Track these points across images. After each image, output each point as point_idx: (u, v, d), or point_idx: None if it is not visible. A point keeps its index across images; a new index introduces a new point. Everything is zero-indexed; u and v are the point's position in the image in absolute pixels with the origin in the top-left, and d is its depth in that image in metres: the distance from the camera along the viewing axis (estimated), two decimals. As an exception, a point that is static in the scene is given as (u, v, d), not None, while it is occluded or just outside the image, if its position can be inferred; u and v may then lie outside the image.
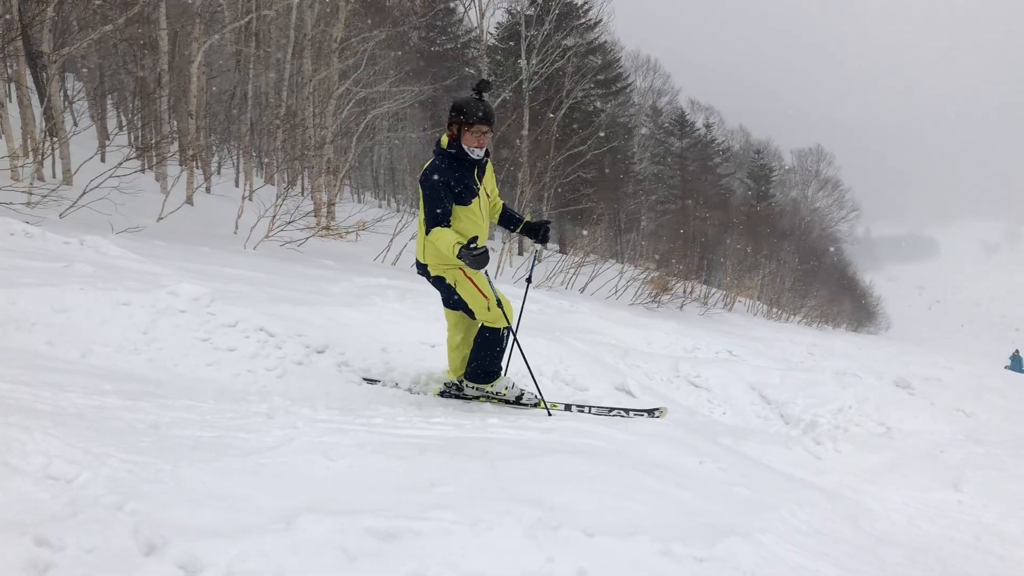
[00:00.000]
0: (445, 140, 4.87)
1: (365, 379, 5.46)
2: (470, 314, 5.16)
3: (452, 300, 5.15)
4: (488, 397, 5.35)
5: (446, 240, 4.63)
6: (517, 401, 5.35)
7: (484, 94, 4.89)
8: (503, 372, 5.36)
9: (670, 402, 7.47)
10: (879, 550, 3.34)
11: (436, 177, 4.75)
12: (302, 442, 3.05)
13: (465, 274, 4.98)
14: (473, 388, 5.33)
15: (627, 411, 5.52)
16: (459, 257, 4.53)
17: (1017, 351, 32.07)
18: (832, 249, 63.73)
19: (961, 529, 4.49)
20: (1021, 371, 28.50)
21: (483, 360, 5.19)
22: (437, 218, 4.72)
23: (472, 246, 4.51)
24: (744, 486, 3.46)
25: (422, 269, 5.14)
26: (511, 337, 5.33)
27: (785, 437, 6.58)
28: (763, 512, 3.12)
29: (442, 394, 5.46)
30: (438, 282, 5.08)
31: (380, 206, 32.64)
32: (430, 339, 6.43)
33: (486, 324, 5.12)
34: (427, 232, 4.80)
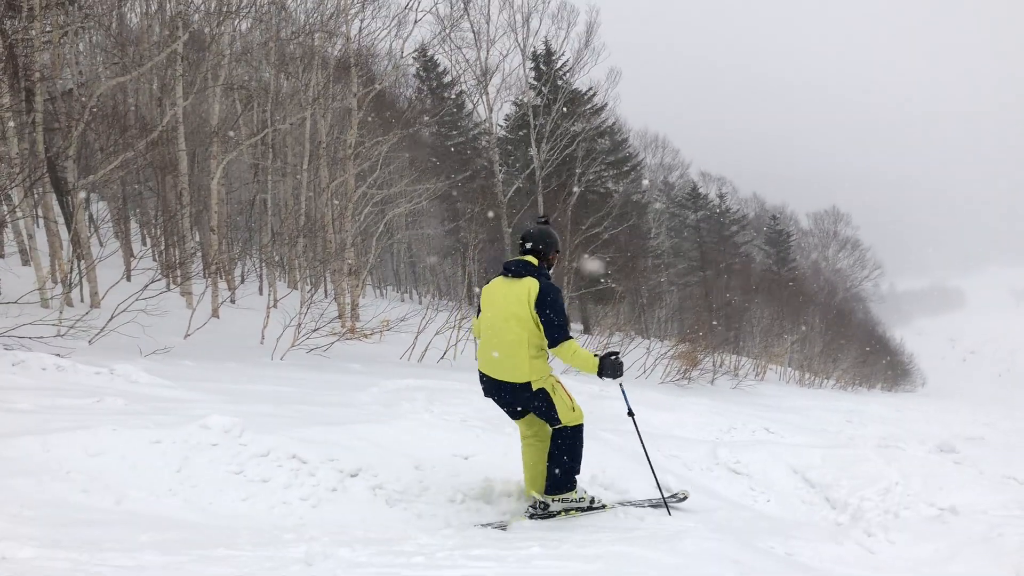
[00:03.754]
0: (536, 262, 5.19)
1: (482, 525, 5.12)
2: (551, 421, 5.25)
3: (540, 410, 5.24)
4: (577, 509, 5.38)
5: (582, 352, 4.98)
6: (590, 507, 5.44)
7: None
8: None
9: (713, 495, 7.32)
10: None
11: (560, 297, 5.03)
12: (343, 598, 2.97)
13: (556, 380, 5.24)
14: (559, 501, 5.32)
15: (665, 501, 5.70)
16: (604, 365, 4.95)
17: (1060, 401, 31.31)
18: (858, 309, 63.25)
19: (1031, 625, 4.28)
20: (1066, 421, 27.80)
21: (568, 463, 5.28)
22: (566, 331, 4.96)
23: (613, 355, 5.02)
24: (802, 611, 3.34)
25: (513, 389, 5.16)
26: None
27: (834, 529, 6.38)
28: (825, 643, 3.00)
29: (532, 517, 5.31)
30: (540, 394, 5.14)
31: (402, 300, 32.83)
32: (462, 451, 6.38)
33: (568, 424, 5.23)
34: (555, 345, 4.94)
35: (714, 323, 29.22)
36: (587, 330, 32.57)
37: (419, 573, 3.45)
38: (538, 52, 30.19)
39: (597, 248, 28.54)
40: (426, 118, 29.22)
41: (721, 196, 57.16)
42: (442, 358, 16.22)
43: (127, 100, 17.49)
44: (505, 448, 6.83)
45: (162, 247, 17.04)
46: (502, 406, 5.37)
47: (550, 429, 5.33)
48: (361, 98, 19.64)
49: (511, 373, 5.08)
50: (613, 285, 29.21)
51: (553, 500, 5.31)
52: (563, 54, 30.22)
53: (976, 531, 6.16)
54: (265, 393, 8.60)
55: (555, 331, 4.90)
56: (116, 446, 5.13)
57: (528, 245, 5.24)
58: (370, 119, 21.77)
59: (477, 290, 23.60)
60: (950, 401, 37.09)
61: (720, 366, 26.14)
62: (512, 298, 5.02)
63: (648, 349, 23.45)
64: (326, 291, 21.53)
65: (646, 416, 12.71)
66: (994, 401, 45.56)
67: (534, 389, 5.09)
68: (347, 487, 5.33)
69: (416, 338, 15.96)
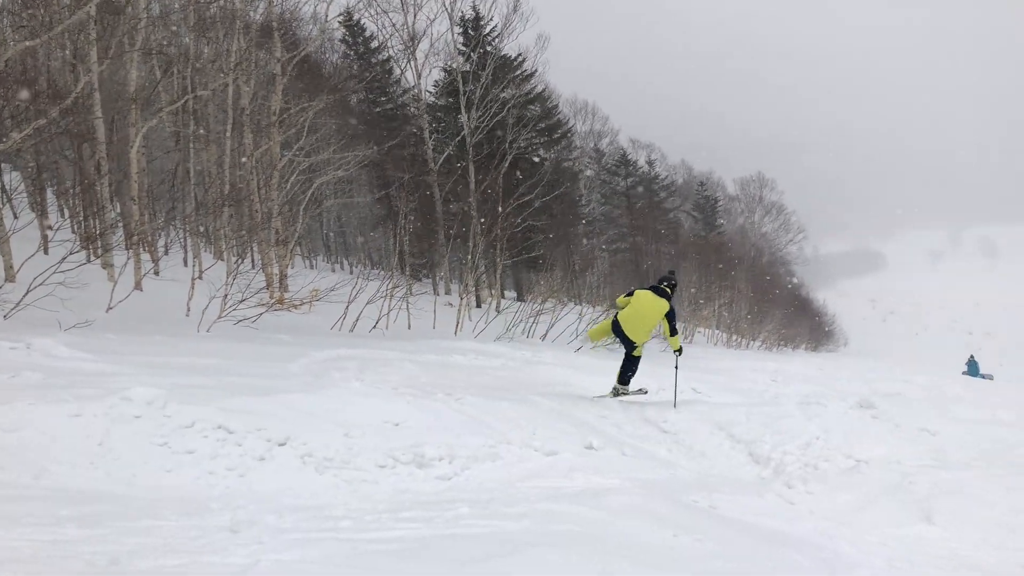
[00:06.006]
0: (670, 292, 9.79)
1: None
2: (630, 348, 10.01)
3: (631, 345, 10.01)
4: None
5: (678, 340, 10.19)
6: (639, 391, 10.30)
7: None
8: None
9: (641, 453, 7.47)
10: (860, 610, 3.33)
11: (675, 314, 9.89)
12: (268, 562, 2.97)
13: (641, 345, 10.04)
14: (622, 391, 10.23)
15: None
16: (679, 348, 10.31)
17: (972, 356, 32.68)
18: (783, 272, 64.75)
19: (939, 566, 4.51)
20: (977, 375, 29.05)
21: (626, 375, 10.21)
22: (676, 330, 10.00)
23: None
24: (721, 557, 3.45)
25: (630, 340, 9.92)
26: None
27: (756, 483, 6.59)
28: (741, 587, 3.11)
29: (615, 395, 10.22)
30: (635, 347, 9.96)
31: (333, 270, 32.47)
32: (393, 417, 6.37)
33: (636, 354, 10.08)
34: (672, 335, 10.00)
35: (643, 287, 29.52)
36: (520, 297, 32.68)
37: (346, 536, 3.46)
38: (466, 17, 29.80)
39: (529, 216, 28.56)
40: (353, 84, 28.74)
41: (650, 163, 57.66)
42: (374, 327, 16.14)
43: (38, 65, 16.77)
44: (436, 414, 6.85)
45: (80, 218, 16.49)
46: (623, 342, 10.02)
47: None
48: (285, 64, 19.20)
49: (636, 336, 9.82)
50: (544, 251, 29.35)
51: (617, 388, 10.19)
52: (491, 19, 29.92)
53: (890, 480, 6.44)
54: (191, 365, 8.44)
55: (673, 329, 9.83)
56: (34, 420, 5.00)
57: (664, 283, 9.85)
58: (295, 85, 21.32)
59: (414, 260, 23.55)
60: (871, 359, 38.36)
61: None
62: (655, 306, 9.64)
63: (580, 314, 23.66)
64: (253, 262, 21.15)
65: (580, 380, 12.89)
66: (912, 359, 47.31)
67: (636, 346, 9.92)
68: (275, 456, 5.29)
69: (347, 308, 15.82)
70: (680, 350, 10.18)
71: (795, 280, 66.06)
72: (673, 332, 9.84)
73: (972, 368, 30.42)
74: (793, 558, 3.88)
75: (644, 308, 9.68)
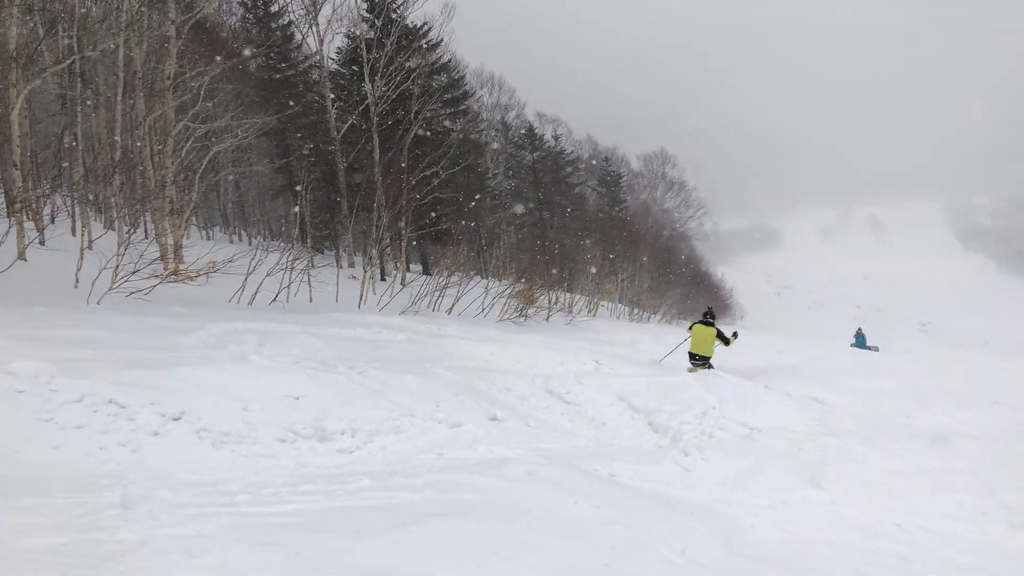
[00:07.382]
0: (713, 320, 14.30)
1: None
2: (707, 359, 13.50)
3: (708, 364, 13.71)
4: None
5: (732, 341, 14.33)
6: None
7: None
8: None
9: (544, 424, 7.54)
10: (754, 569, 3.46)
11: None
12: (161, 537, 2.87)
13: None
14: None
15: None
16: (735, 338, 14.60)
17: (860, 328, 34.16)
18: (684, 247, 66.27)
19: (825, 527, 4.71)
20: (864, 347, 30.46)
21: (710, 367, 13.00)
22: (727, 339, 14.14)
23: (735, 334, 14.94)
24: (619, 523, 3.52)
25: (704, 357, 13.87)
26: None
27: (655, 451, 6.75)
28: (640, 551, 3.18)
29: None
30: (709, 361, 13.69)
31: (231, 241, 31.59)
32: (293, 391, 6.23)
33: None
34: (726, 344, 14.11)
35: (553, 271, 29.74)
36: (426, 270, 32.48)
37: (243, 510, 3.39)
38: (370, -18, 29.18)
39: (435, 188, 28.33)
40: (251, 49, 27.84)
41: (556, 137, 57.86)
42: (274, 300, 15.78)
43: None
44: (339, 388, 6.75)
45: (-43, 184, 15.53)
46: (695, 362, 13.69)
47: (707, 368, 12.97)
48: (180, 26, 18.44)
49: (706, 352, 13.65)
50: (450, 224, 29.21)
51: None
52: (396, -15, 29.37)
53: (781, 447, 6.69)
54: (79, 338, 8.08)
55: (724, 340, 13.89)
56: (-97, 397, 4.71)
57: (707, 315, 14.24)
58: (191, 49, 20.53)
59: (314, 231, 23.09)
60: (766, 332, 39.69)
61: (555, 303, 26.75)
62: (708, 332, 13.81)
63: (486, 288, 23.66)
64: (146, 231, 20.38)
65: (485, 353, 12.93)
66: (805, 331, 49.19)
67: (710, 359, 13.51)
68: (170, 430, 5.13)
69: (245, 280, 15.39)
70: (736, 334, 14.86)
71: (695, 255, 67.69)
72: (726, 343, 14.16)
73: (860, 340, 31.79)
74: (689, 523, 3.99)
75: (701, 336, 14.10)
